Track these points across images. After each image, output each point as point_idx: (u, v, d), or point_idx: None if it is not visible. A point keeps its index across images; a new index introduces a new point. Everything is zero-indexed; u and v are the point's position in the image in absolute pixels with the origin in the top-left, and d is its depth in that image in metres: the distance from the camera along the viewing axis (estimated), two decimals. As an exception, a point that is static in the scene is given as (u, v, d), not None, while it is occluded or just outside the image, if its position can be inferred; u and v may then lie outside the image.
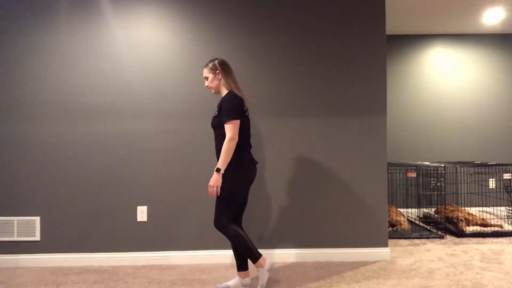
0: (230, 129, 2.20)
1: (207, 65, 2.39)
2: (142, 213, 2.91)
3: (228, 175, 2.25)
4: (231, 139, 2.19)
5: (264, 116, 2.95)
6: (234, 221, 2.36)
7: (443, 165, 3.89)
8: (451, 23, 4.37)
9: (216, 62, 2.36)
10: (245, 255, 2.30)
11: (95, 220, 2.90)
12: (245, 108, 2.34)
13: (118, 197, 2.91)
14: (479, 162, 4.39)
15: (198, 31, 2.95)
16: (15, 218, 2.88)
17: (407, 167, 4.22)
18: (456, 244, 3.35)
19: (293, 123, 2.95)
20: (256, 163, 2.38)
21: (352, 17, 2.96)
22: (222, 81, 2.35)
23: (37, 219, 2.89)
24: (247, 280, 2.38)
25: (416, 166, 4.06)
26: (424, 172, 4.38)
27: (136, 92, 2.93)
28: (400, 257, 2.98)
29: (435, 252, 3.10)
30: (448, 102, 4.71)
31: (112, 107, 2.92)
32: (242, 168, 2.29)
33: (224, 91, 2.36)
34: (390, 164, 4.05)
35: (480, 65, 4.74)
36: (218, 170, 2.19)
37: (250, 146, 2.40)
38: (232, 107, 2.23)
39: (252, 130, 2.93)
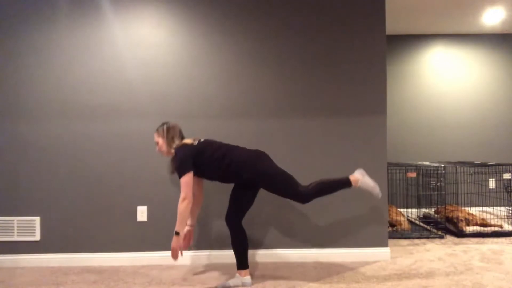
0: (182, 188, 2.28)
1: (157, 130, 2.47)
2: (142, 213, 2.91)
3: (259, 169, 2.29)
4: (184, 198, 2.27)
5: (263, 116, 2.95)
6: (238, 219, 2.38)
7: (443, 165, 3.89)
8: (451, 23, 4.37)
9: (164, 127, 2.45)
10: (340, 187, 2.38)
11: (95, 220, 2.90)
12: (196, 144, 2.39)
13: (118, 197, 2.91)
14: (479, 162, 4.39)
15: (198, 31, 2.95)
16: (15, 218, 2.88)
17: (407, 167, 4.22)
18: (456, 244, 3.35)
19: (293, 123, 2.95)
20: (256, 150, 2.42)
21: (352, 17, 2.96)
22: (169, 145, 2.42)
23: (37, 219, 2.89)
24: (247, 279, 2.38)
25: (416, 166, 4.06)
26: (424, 172, 4.38)
27: (136, 92, 2.93)
28: (400, 257, 2.98)
29: (435, 252, 3.10)
30: (448, 102, 4.71)
31: (112, 107, 2.92)
32: (252, 161, 2.32)
33: (172, 151, 2.42)
34: (390, 164, 4.05)
35: (480, 65, 4.74)
36: (176, 233, 2.28)
37: (235, 147, 2.41)
38: (179, 163, 2.31)
39: (251, 131, 2.93)
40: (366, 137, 2.95)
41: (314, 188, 2.31)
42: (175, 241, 2.28)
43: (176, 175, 2.38)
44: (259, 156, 2.35)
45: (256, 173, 2.30)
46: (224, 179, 2.41)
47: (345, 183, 2.37)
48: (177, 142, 2.42)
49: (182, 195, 2.26)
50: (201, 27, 2.95)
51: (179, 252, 2.32)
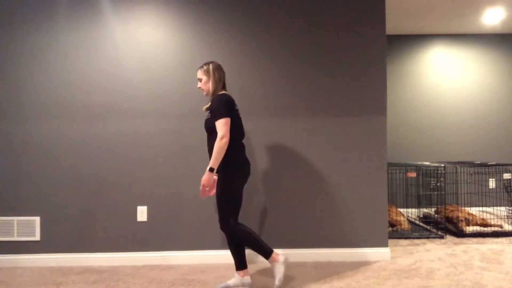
0: (221, 127, 2.22)
1: (202, 67, 2.41)
2: (142, 213, 2.91)
3: (226, 175, 2.26)
4: (223, 137, 2.21)
5: (263, 116, 2.95)
6: (233, 220, 2.37)
7: (443, 165, 3.89)
8: (451, 23, 4.37)
9: (211, 65, 2.39)
10: (258, 252, 2.29)
11: (95, 220, 2.90)
12: (236, 108, 2.36)
13: (118, 197, 2.91)
14: (479, 162, 4.39)
15: (198, 31, 2.95)
16: (15, 218, 2.88)
17: (407, 167, 4.22)
18: (456, 244, 3.35)
19: (293, 123, 2.95)
20: (249, 163, 2.39)
21: (352, 17, 2.96)
22: (214, 84, 2.36)
23: (37, 219, 2.89)
24: (247, 279, 2.38)
25: (416, 166, 4.06)
26: (424, 172, 4.38)
27: (136, 92, 2.93)
28: (400, 257, 2.98)
29: (435, 252, 3.10)
30: (448, 102, 4.71)
31: (112, 107, 2.92)
32: (238, 167, 2.31)
33: (215, 94, 2.37)
34: (390, 164, 4.05)
35: (480, 65, 4.74)
36: (211, 169, 2.21)
37: (243, 144, 2.40)
38: (222, 106, 2.25)
39: (252, 130, 2.93)
40: (366, 137, 2.95)
41: (240, 231, 2.26)
42: (207, 177, 2.21)
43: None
44: (247, 164, 2.35)
45: (228, 173, 2.27)
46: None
47: (266, 252, 2.27)
48: (224, 85, 2.39)
49: (221, 133, 2.20)
50: (200, 27, 2.95)
51: (207, 190, 2.25)
